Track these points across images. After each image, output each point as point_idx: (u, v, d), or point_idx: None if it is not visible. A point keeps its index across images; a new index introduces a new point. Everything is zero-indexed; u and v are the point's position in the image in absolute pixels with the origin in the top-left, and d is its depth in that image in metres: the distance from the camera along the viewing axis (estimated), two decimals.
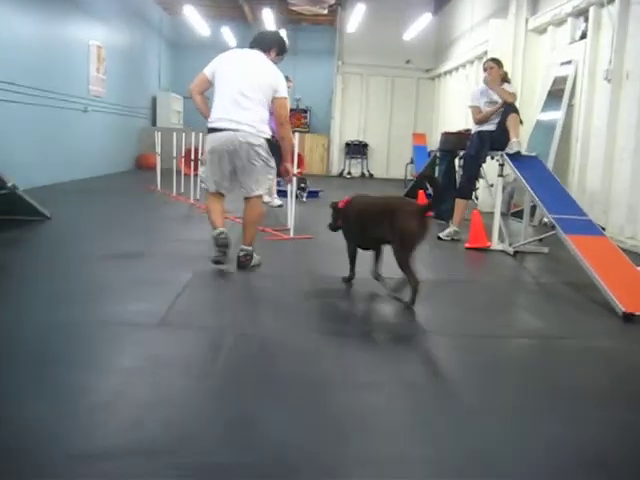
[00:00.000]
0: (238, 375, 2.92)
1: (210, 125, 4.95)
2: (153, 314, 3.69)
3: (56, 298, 4.07)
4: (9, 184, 6.31)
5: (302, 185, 10.14)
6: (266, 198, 7.27)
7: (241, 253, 5.00)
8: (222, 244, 4.89)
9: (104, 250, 5.54)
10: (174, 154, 10.36)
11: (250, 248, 5.04)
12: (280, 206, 8.70)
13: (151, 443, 2.20)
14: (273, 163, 5.07)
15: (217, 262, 4.90)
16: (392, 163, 17.44)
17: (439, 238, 6.97)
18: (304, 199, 10.12)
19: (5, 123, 9.14)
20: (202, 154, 5.67)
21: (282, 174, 5.42)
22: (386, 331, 3.69)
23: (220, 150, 4.89)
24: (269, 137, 4.98)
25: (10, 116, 9.31)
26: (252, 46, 5.13)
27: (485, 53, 11.27)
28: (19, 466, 2.04)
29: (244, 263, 4.99)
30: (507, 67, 7.12)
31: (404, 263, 4.06)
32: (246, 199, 5.06)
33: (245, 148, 4.84)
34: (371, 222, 4.32)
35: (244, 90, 4.86)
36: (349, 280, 4.64)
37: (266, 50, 5.11)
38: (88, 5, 12.56)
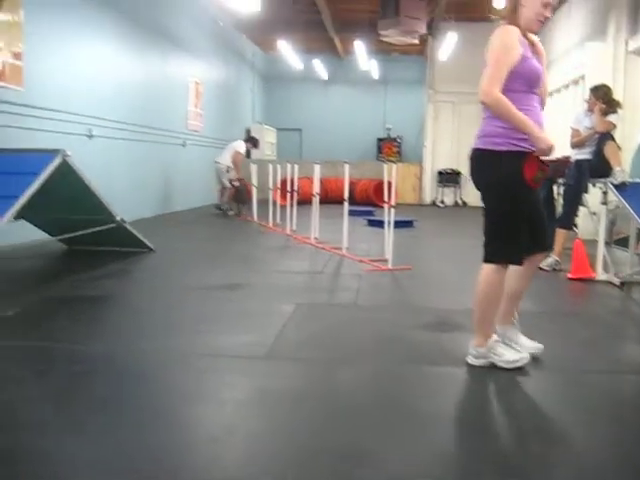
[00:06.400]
0: (348, 407, 2.92)
1: None
2: (260, 346, 3.76)
3: (163, 328, 4.22)
4: (117, 218, 6.61)
5: None
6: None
7: None
8: None
9: (206, 281, 5.71)
10: (270, 185, 10.59)
11: None
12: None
13: (265, 475, 2.23)
14: None
15: None
16: None
17: (540, 269, 6.77)
18: None
19: (112, 159, 9.62)
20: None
21: None
22: (488, 366, 3.62)
23: None
24: None
25: (116, 152, 9.81)
26: None
27: (582, 77, 11.00)
28: None
29: None
30: None
31: None
32: None
33: None
34: None
35: None
36: None
37: None
38: (187, 44, 13.14)
